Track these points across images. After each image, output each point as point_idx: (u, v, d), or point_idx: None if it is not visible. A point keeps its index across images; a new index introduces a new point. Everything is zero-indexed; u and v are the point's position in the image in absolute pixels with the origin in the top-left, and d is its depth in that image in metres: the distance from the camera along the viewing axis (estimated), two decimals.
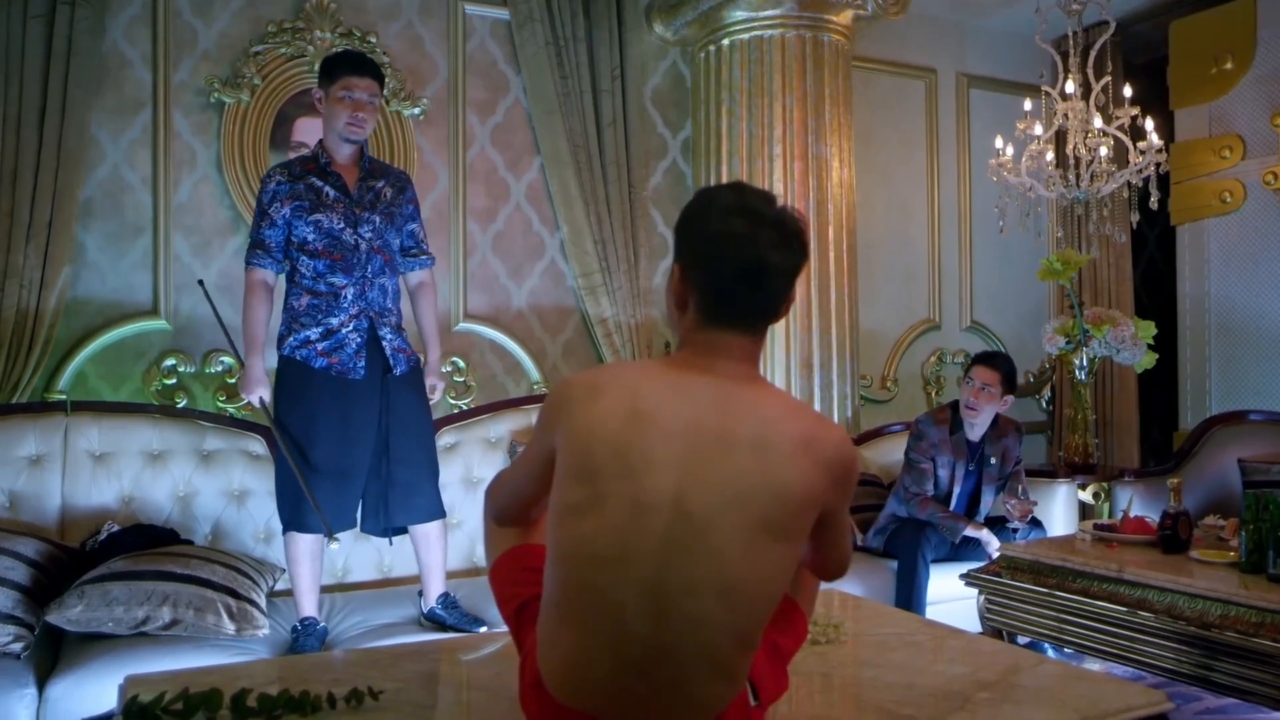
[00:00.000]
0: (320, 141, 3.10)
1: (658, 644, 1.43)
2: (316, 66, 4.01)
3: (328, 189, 2.99)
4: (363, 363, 3.00)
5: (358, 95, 2.98)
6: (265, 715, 1.80)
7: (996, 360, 3.92)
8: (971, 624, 3.56)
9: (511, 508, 1.72)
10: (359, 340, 3.01)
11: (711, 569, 1.42)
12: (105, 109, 3.78)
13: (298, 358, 3.00)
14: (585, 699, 1.49)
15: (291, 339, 3.01)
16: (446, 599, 3.10)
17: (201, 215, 3.93)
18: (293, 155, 3.30)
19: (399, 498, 3.07)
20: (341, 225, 2.98)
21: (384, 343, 3.05)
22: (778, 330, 4.59)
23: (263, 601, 2.97)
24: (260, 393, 3.02)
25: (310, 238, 2.98)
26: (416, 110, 4.29)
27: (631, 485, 1.44)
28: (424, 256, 3.25)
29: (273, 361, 3.10)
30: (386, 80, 4.19)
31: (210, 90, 3.91)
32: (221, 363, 3.92)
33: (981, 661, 2.08)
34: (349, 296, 3.00)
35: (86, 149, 3.70)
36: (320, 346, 2.98)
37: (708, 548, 1.42)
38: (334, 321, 2.99)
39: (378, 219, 3.03)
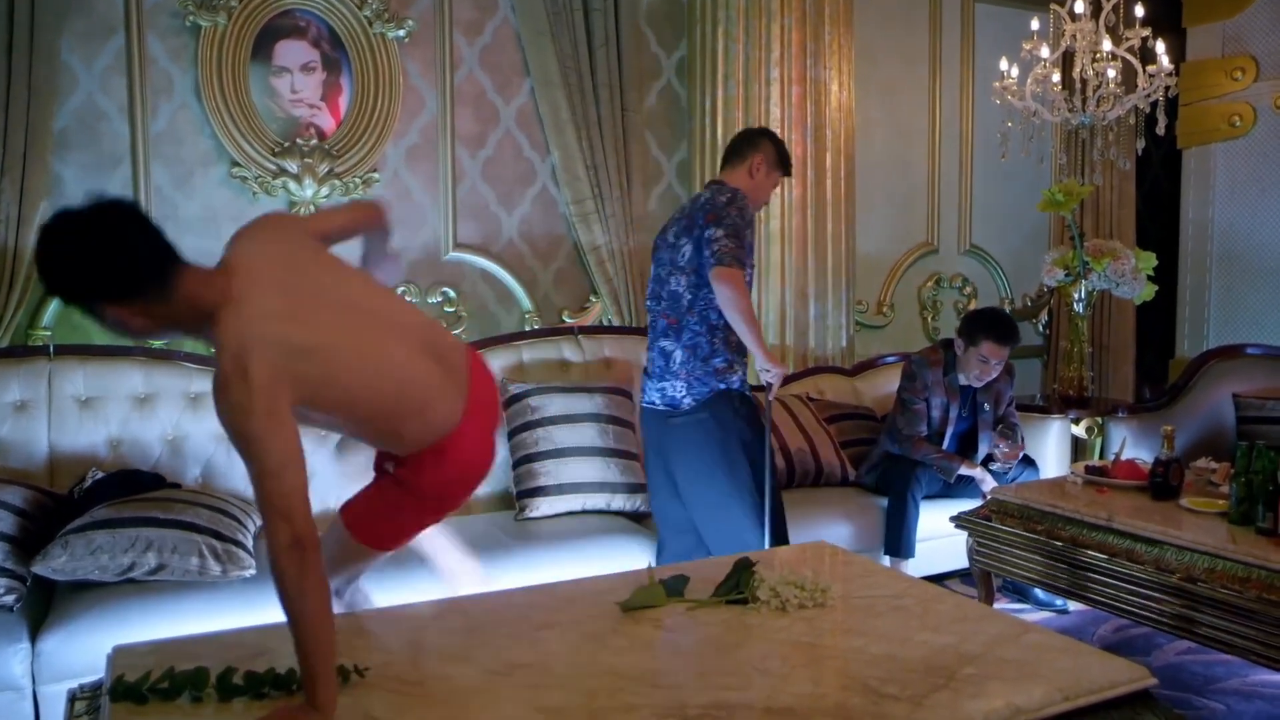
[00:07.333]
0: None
1: (428, 337, 2.09)
2: None
3: None
4: None
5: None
6: (251, 693, 1.81)
7: (1010, 336, 3.78)
8: (961, 561, 3.61)
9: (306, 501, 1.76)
10: None
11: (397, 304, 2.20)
12: (75, 34, 3.63)
13: (735, 387, 3.12)
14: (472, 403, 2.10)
15: (731, 374, 3.12)
16: None
17: (182, 145, 3.82)
18: None
19: None
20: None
21: None
22: (773, 261, 4.53)
23: (249, 541, 2.97)
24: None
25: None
26: (401, 32, 4.12)
27: (319, 298, 1.91)
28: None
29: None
30: (369, 0, 4.04)
31: (185, 13, 3.75)
32: None
33: (967, 630, 2.08)
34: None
35: (58, 76, 3.56)
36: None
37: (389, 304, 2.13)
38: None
39: None
